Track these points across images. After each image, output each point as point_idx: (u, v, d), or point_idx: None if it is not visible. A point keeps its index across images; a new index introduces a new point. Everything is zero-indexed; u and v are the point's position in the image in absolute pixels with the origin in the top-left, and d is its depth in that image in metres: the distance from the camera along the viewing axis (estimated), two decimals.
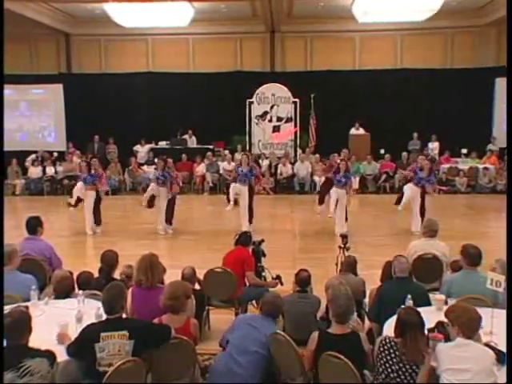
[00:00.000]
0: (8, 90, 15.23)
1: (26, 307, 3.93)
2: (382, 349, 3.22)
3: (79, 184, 9.35)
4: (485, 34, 15.67)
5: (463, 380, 2.95)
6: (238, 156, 13.43)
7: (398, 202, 9.26)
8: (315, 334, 3.41)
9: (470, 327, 3.11)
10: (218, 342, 4.00)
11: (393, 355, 3.17)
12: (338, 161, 9.22)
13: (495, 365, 3.03)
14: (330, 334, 3.37)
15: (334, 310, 3.39)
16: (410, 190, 9.01)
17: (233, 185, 9.21)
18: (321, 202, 9.41)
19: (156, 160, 9.99)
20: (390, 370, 3.16)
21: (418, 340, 3.13)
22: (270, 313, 3.59)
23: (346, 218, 9.25)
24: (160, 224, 9.19)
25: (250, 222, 9.22)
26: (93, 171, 9.27)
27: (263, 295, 4.85)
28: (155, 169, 9.45)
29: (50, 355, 3.04)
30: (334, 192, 8.90)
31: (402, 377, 3.13)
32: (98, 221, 9.43)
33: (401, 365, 3.14)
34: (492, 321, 3.47)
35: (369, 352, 3.38)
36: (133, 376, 3.20)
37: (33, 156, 14.69)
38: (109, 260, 4.71)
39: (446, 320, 3.34)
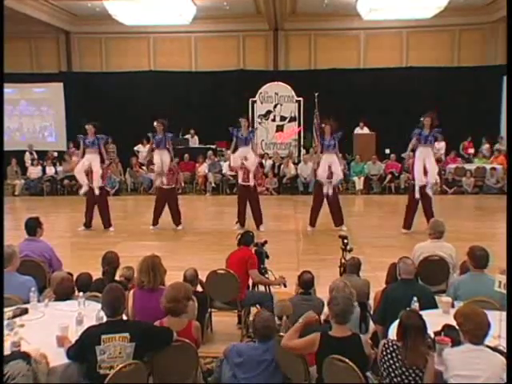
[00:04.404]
0: (8, 89, 15.19)
1: (26, 309, 3.90)
2: (384, 352, 3.18)
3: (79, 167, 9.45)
4: (493, 31, 15.50)
5: None
6: None
7: (407, 225, 8.94)
8: (317, 337, 3.35)
9: (477, 334, 3.04)
10: (220, 345, 3.94)
11: (395, 359, 3.12)
12: (323, 125, 9.27)
13: (505, 371, 2.95)
14: (330, 337, 3.32)
15: (332, 311, 3.37)
16: (420, 155, 8.81)
17: (240, 150, 9.29)
18: (312, 222, 9.31)
19: (155, 123, 9.95)
20: (393, 374, 3.12)
21: (419, 343, 3.08)
22: (265, 335, 3.53)
23: (341, 222, 9.21)
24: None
25: (261, 222, 9.35)
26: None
27: (265, 300, 4.79)
28: (153, 131, 9.58)
29: (23, 355, 2.98)
30: (324, 161, 9.00)
31: (406, 381, 3.08)
32: (107, 223, 9.50)
33: (403, 369, 3.09)
34: (500, 324, 3.40)
35: (370, 355, 3.33)
36: (134, 379, 3.16)
37: (27, 154, 14.61)
38: (111, 262, 4.68)
39: (452, 323, 3.28)
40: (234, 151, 9.49)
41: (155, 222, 9.52)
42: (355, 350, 3.24)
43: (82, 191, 9.48)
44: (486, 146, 14.78)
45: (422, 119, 9.01)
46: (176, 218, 9.53)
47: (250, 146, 9.31)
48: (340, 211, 9.22)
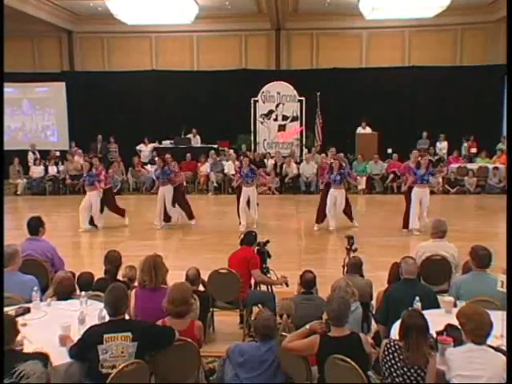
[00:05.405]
0: (10, 89, 15.22)
1: (28, 308, 3.90)
2: (386, 352, 3.18)
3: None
4: (495, 30, 15.38)
5: None
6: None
7: (406, 225, 9.05)
8: (316, 339, 3.36)
9: (480, 334, 3.03)
10: (222, 345, 3.94)
11: (397, 359, 3.12)
12: (329, 161, 9.34)
13: (505, 370, 2.94)
14: (330, 338, 3.33)
15: (328, 313, 3.39)
16: (416, 196, 8.84)
17: (244, 189, 9.34)
18: (319, 220, 9.37)
19: (156, 159, 10.37)
20: (395, 374, 3.11)
21: (421, 343, 3.07)
22: (266, 335, 3.53)
23: (352, 218, 9.33)
24: (157, 217, 9.60)
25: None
26: (93, 170, 9.43)
27: (267, 300, 4.78)
28: (156, 169, 9.90)
29: (42, 357, 2.99)
30: (331, 195, 9.05)
31: (408, 381, 3.08)
32: (122, 214, 9.81)
33: (405, 369, 3.09)
34: (502, 324, 3.39)
35: (370, 353, 3.34)
36: (136, 378, 3.16)
37: (30, 154, 14.62)
38: (114, 260, 4.68)
39: (454, 323, 3.27)
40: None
41: (166, 219, 9.74)
42: (355, 348, 3.25)
43: (81, 230, 9.45)
44: (464, 145, 14.73)
45: (419, 159, 9.02)
46: (188, 212, 9.79)
47: (252, 183, 9.38)
48: (350, 209, 9.41)
